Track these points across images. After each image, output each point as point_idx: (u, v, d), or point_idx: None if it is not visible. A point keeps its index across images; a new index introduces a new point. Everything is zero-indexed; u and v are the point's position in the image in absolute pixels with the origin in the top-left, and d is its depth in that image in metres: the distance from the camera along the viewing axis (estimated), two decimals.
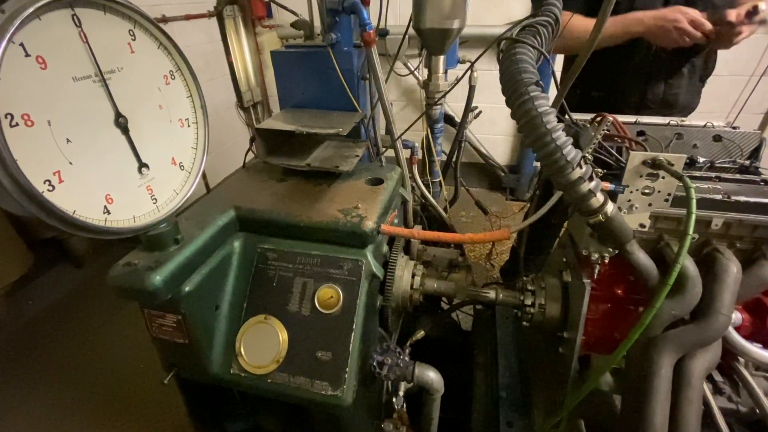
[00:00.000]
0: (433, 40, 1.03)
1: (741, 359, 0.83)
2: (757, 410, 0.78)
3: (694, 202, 0.59)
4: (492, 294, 1.06)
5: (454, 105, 2.83)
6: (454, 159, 1.36)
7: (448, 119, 1.38)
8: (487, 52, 0.96)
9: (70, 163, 0.55)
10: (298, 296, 0.85)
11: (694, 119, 1.06)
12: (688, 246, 0.61)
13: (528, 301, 1.00)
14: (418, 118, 1.10)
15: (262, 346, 0.84)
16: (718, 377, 0.84)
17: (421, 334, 1.17)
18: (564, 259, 0.93)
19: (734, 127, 1.01)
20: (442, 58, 1.09)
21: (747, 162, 0.96)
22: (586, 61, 0.61)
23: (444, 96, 1.09)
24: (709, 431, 0.78)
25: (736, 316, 0.82)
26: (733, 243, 0.80)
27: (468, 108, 1.27)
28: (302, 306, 0.84)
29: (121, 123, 0.63)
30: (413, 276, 1.06)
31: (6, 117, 0.47)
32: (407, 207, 1.17)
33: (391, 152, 1.19)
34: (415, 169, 1.25)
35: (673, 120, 1.05)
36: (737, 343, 0.78)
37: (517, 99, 0.53)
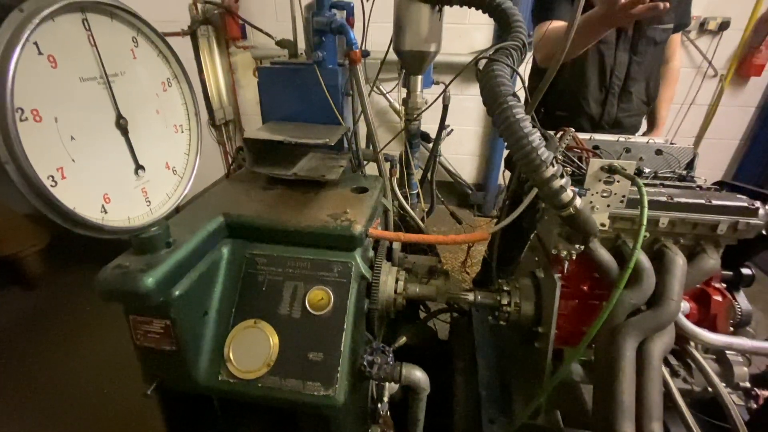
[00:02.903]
0: (412, 61, 1.12)
1: (692, 343, 0.93)
2: (710, 389, 0.87)
3: (645, 198, 0.69)
4: (471, 296, 1.12)
5: (425, 126, 2.98)
6: (429, 173, 1.44)
7: (424, 136, 1.47)
8: (463, 74, 1.06)
9: (73, 160, 0.56)
10: (289, 299, 0.86)
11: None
12: (642, 237, 0.71)
13: (504, 301, 1.07)
14: (400, 132, 1.18)
15: (252, 350, 0.83)
16: (673, 361, 0.94)
17: (402, 340, 1.21)
18: (536, 259, 1.01)
19: (672, 143, 1.17)
20: (420, 77, 1.18)
21: (684, 172, 1.11)
22: (554, 73, 0.71)
23: (423, 112, 1.17)
24: (671, 413, 0.86)
25: (685, 305, 0.93)
26: (677, 240, 0.91)
27: (442, 125, 1.36)
28: (293, 309, 0.86)
29: (122, 124, 0.64)
30: (396, 281, 1.10)
31: (17, 111, 0.48)
32: (388, 216, 1.22)
33: (370, 166, 1.25)
34: (394, 181, 1.32)
35: (622, 137, 1.20)
36: (687, 328, 0.88)
37: (498, 107, 0.61)
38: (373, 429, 1.03)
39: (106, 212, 0.62)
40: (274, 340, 0.84)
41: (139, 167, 0.69)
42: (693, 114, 2.81)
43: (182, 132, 0.79)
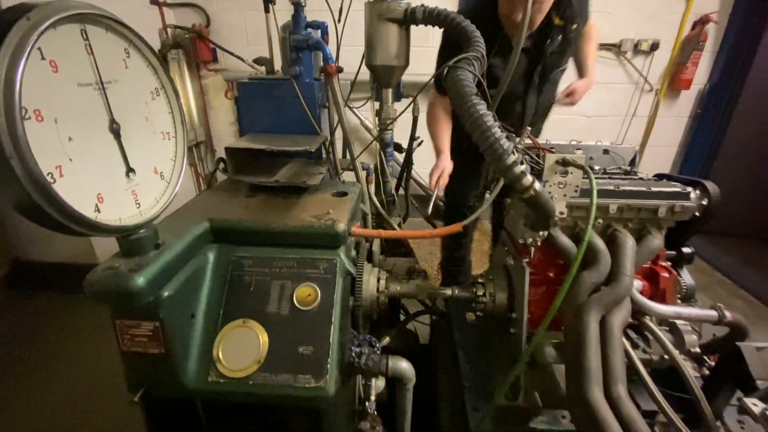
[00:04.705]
0: (383, 75, 1.22)
1: (647, 317, 1.03)
2: (666, 356, 0.97)
3: (594, 181, 0.79)
4: (449, 291, 1.19)
5: (397, 138, 3.10)
6: (403, 180, 1.52)
7: (397, 146, 1.57)
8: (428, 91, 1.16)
9: (70, 159, 0.59)
10: (277, 297, 0.89)
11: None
12: (594, 216, 0.80)
13: (480, 292, 1.14)
14: (374, 139, 1.25)
15: (241, 349, 0.85)
16: (633, 335, 1.03)
17: (386, 339, 1.24)
18: (506, 248, 1.10)
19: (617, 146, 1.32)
20: (390, 90, 1.28)
21: (629, 168, 1.25)
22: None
23: (394, 120, 1.26)
24: (635, 385, 0.94)
25: (638, 283, 1.03)
26: (626, 224, 1.03)
27: (413, 134, 1.46)
28: (281, 306, 0.88)
29: (115, 128, 0.67)
30: (378, 280, 1.14)
31: (21, 110, 0.51)
32: (367, 220, 1.28)
33: (347, 175, 1.31)
34: (371, 188, 1.38)
35: (574, 140, 1.34)
36: (642, 302, 0.98)
37: (464, 105, 0.69)
38: (362, 425, 1.04)
39: (99, 212, 0.64)
40: (263, 337, 0.86)
41: (129, 170, 0.71)
42: (635, 125, 3.12)
43: (169, 139, 0.82)
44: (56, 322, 2.04)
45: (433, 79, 1.10)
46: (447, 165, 1.46)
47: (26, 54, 0.50)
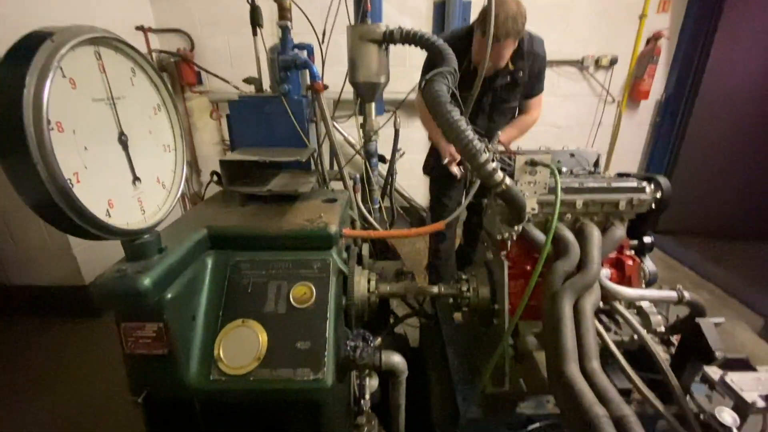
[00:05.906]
0: (366, 91, 1.31)
1: (617, 302, 1.13)
2: (635, 336, 1.06)
3: (558, 177, 0.89)
4: (435, 289, 1.26)
5: (380, 150, 3.21)
6: (388, 188, 1.60)
7: (380, 157, 1.67)
8: (410, 108, 1.27)
9: (86, 167, 0.64)
10: (274, 297, 0.94)
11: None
12: (558, 206, 0.90)
13: (464, 288, 1.22)
14: (358, 151, 1.34)
15: (241, 347, 0.89)
16: (605, 319, 1.12)
17: (378, 341, 1.29)
18: (485, 244, 1.18)
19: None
20: (373, 105, 1.37)
21: (592, 168, 1.37)
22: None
23: (378, 131, 1.35)
24: (610, 367, 1.02)
25: (606, 271, 1.13)
26: (592, 218, 1.13)
27: (395, 146, 1.55)
28: (278, 305, 0.93)
29: (123, 140, 0.73)
30: (369, 281, 1.20)
31: (47, 122, 0.57)
32: (354, 226, 1.35)
33: (334, 184, 1.38)
34: (358, 197, 1.46)
35: (543, 146, 1.46)
36: (610, 287, 1.07)
37: (440, 112, 0.78)
38: (359, 420, 1.08)
39: (110, 216, 0.69)
40: (262, 335, 0.90)
41: (136, 179, 0.77)
42: (601, 133, 3.35)
43: (170, 151, 0.88)
44: (42, 345, 1.99)
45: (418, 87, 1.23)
46: (452, 148, 1.69)
47: (51, 72, 0.57)
